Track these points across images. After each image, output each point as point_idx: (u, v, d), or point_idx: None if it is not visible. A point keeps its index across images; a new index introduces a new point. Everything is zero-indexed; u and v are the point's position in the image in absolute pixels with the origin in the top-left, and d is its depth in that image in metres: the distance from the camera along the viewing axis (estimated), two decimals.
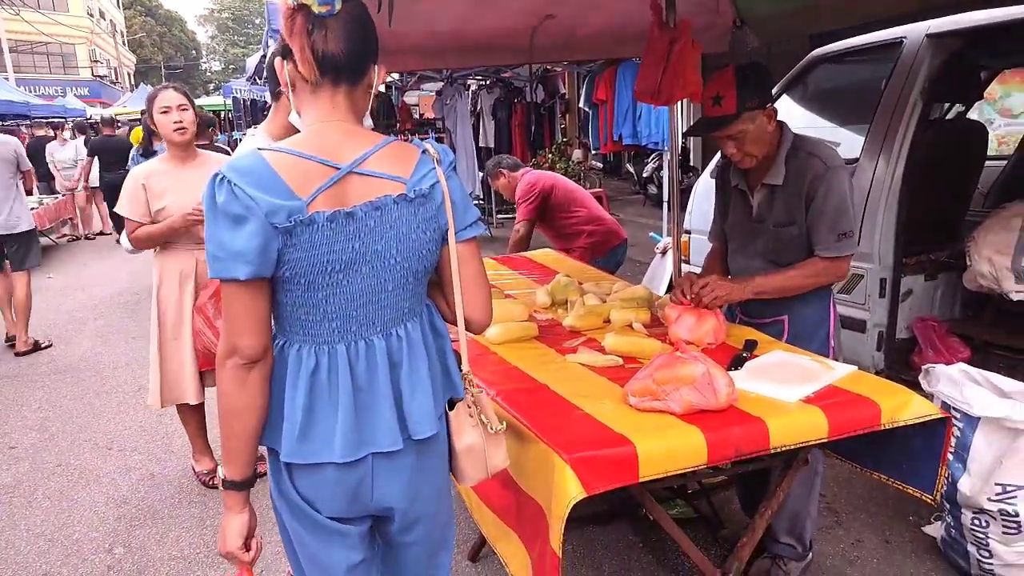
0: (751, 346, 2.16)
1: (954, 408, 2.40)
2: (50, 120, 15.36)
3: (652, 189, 10.57)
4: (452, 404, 1.48)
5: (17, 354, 5.48)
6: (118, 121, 12.59)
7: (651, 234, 6.59)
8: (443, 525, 1.57)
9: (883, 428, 1.75)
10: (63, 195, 10.40)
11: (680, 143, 5.19)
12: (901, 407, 1.77)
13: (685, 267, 4.32)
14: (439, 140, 9.62)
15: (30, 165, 5.77)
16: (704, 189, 4.44)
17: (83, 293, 7.55)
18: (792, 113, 3.90)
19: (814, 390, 1.82)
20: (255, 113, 16.75)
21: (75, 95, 26.52)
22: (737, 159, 2.28)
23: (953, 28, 3.40)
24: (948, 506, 2.51)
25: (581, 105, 10.32)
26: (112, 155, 9.40)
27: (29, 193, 6.20)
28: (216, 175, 1.23)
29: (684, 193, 4.70)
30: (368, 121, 1.41)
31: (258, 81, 11.10)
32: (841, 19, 3.50)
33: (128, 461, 3.68)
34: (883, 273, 3.51)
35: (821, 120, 4.29)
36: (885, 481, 1.97)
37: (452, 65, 7.99)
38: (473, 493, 2.02)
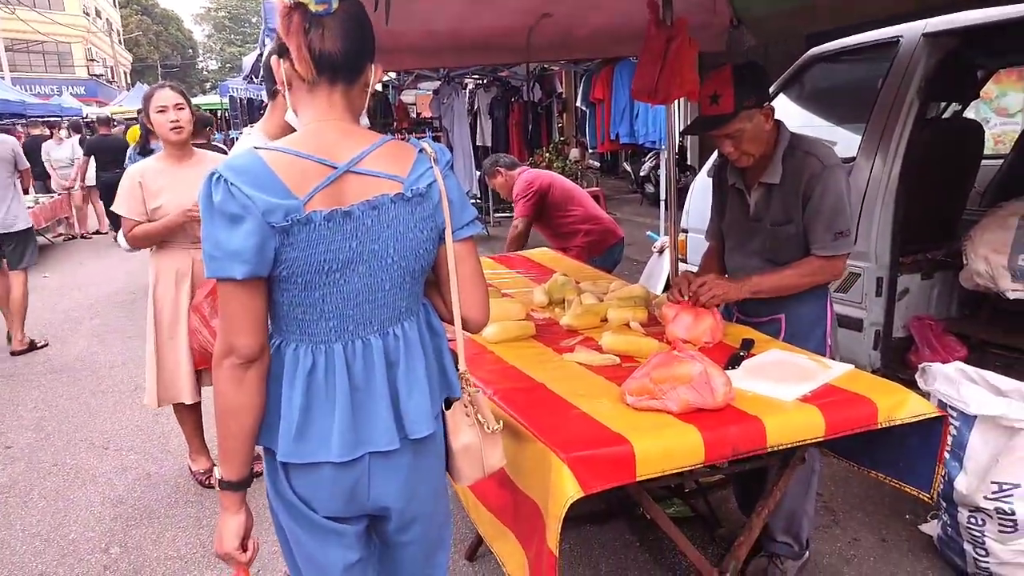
0: (748, 345, 2.16)
1: (950, 407, 2.40)
2: (46, 119, 15.32)
3: (649, 188, 10.58)
4: (449, 403, 1.48)
5: (13, 353, 5.47)
6: (114, 120, 12.57)
7: (648, 233, 6.59)
8: (440, 524, 1.57)
9: (880, 427, 1.75)
10: (59, 194, 10.38)
11: (677, 142, 5.19)
12: (898, 406, 1.77)
13: (682, 266, 4.32)
14: (436, 139, 9.62)
15: (28, 164, 5.76)
16: (701, 188, 4.44)
17: (79, 292, 7.53)
18: (789, 112, 3.90)
19: (811, 389, 1.82)
20: (252, 112, 16.74)
21: (71, 94, 26.50)
22: (734, 158, 2.28)
23: (949, 27, 3.40)
24: (944, 504, 2.52)
25: (578, 104, 10.32)
26: (108, 154, 9.38)
27: (25, 192, 6.19)
28: (212, 174, 1.22)
29: (681, 192, 4.71)
30: (364, 120, 1.41)
31: (255, 80, 11.12)
32: (837, 19, 3.51)
33: (124, 461, 3.68)
34: (880, 272, 3.52)
35: (818, 119, 4.29)
36: (882, 480, 1.98)
37: (449, 64, 7.99)
38: (470, 492, 2.02)
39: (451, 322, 1.47)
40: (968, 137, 4.04)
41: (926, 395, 2.41)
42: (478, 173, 9.60)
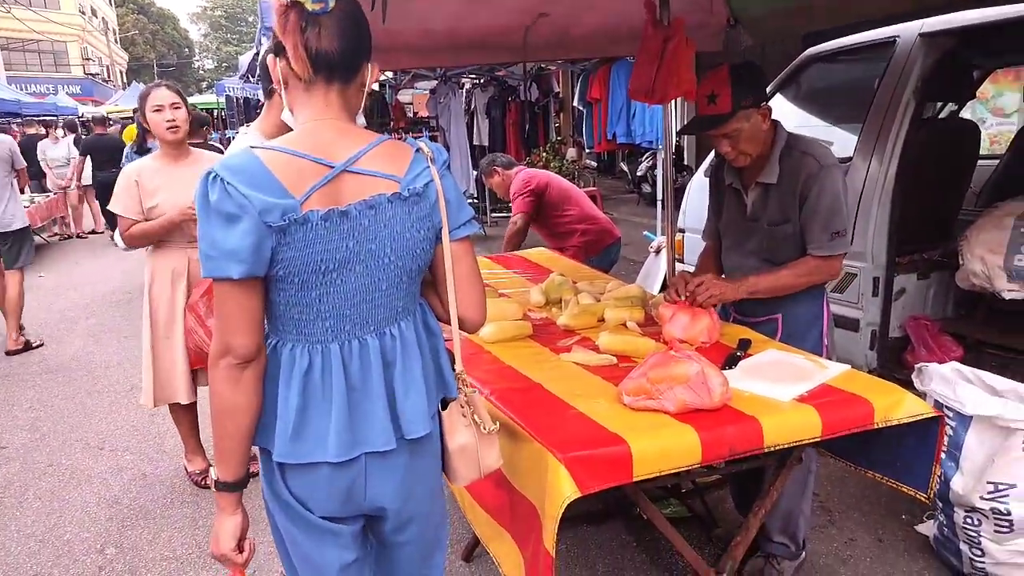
0: (745, 345, 2.16)
1: (947, 407, 2.41)
2: (41, 118, 15.28)
3: (646, 188, 10.59)
4: (445, 403, 1.48)
5: (8, 353, 5.45)
6: (110, 119, 12.54)
7: (645, 233, 6.60)
8: (436, 525, 1.56)
9: (876, 427, 1.76)
10: (55, 193, 10.35)
11: (674, 142, 5.19)
12: (894, 406, 1.77)
13: (679, 266, 4.32)
14: (433, 139, 9.60)
15: (24, 163, 5.75)
16: (698, 188, 4.44)
17: (75, 292, 7.51)
18: (785, 112, 3.91)
19: (808, 389, 1.82)
20: (248, 111, 16.73)
21: (67, 93, 26.44)
22: (731, 158, 2.28)
23: (946, 27, 3.41)
24: (940, 505, 2.52)
25: (575, 104, 10.32)
26: (104, 153, 9.35)
27: (21, 191, 6.17)
28: (209, 173, 1.22)
29: (678, 192, 4.72)
30: (361, 119, 1.41)
31: (251, 79, 11.09)
32: (834, 19, 3.51)
33: (120, 461, 3.67)
34: (876, 272, 3.53)
35: (814, 119, 4.30)
36: (878, 480, 1.98)
37: (446, 63, 7.99)
38: (466, 493, 2.02)
39: (448, 322, 1.46)
40: (964, 137, 4.05)
41: (922, 395, 2.41)
42: (475, 173, 9.60)
